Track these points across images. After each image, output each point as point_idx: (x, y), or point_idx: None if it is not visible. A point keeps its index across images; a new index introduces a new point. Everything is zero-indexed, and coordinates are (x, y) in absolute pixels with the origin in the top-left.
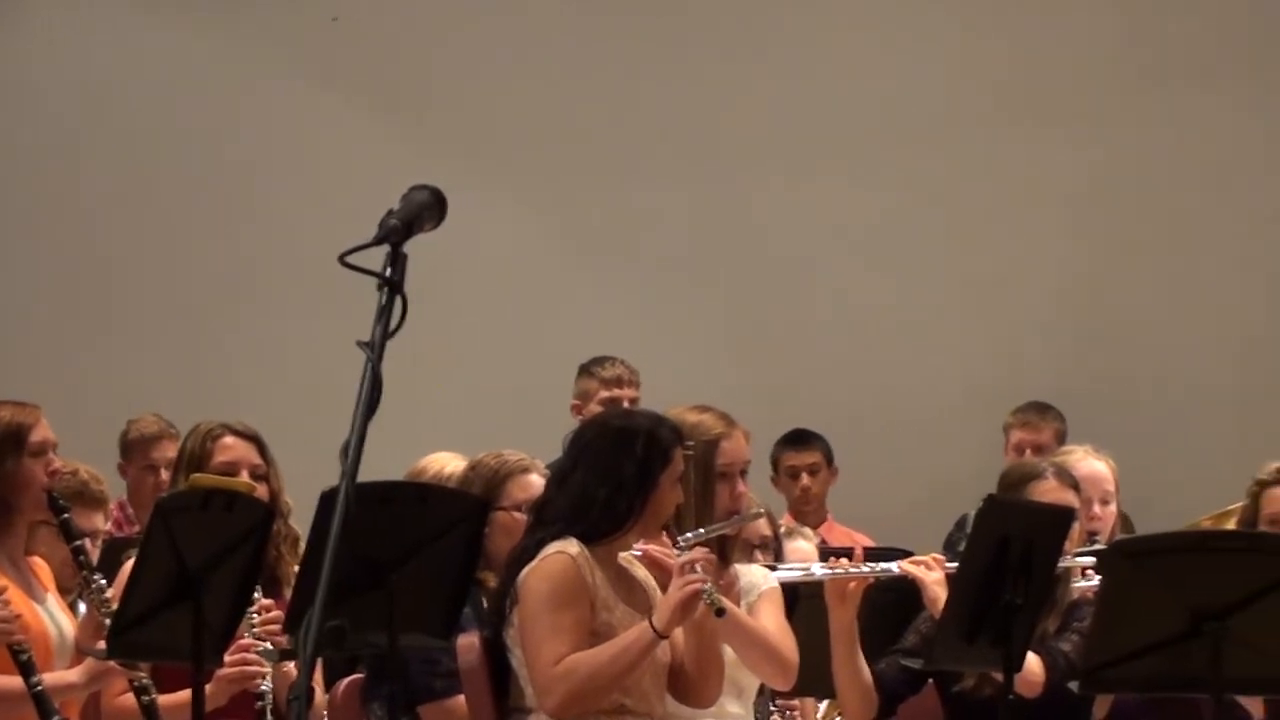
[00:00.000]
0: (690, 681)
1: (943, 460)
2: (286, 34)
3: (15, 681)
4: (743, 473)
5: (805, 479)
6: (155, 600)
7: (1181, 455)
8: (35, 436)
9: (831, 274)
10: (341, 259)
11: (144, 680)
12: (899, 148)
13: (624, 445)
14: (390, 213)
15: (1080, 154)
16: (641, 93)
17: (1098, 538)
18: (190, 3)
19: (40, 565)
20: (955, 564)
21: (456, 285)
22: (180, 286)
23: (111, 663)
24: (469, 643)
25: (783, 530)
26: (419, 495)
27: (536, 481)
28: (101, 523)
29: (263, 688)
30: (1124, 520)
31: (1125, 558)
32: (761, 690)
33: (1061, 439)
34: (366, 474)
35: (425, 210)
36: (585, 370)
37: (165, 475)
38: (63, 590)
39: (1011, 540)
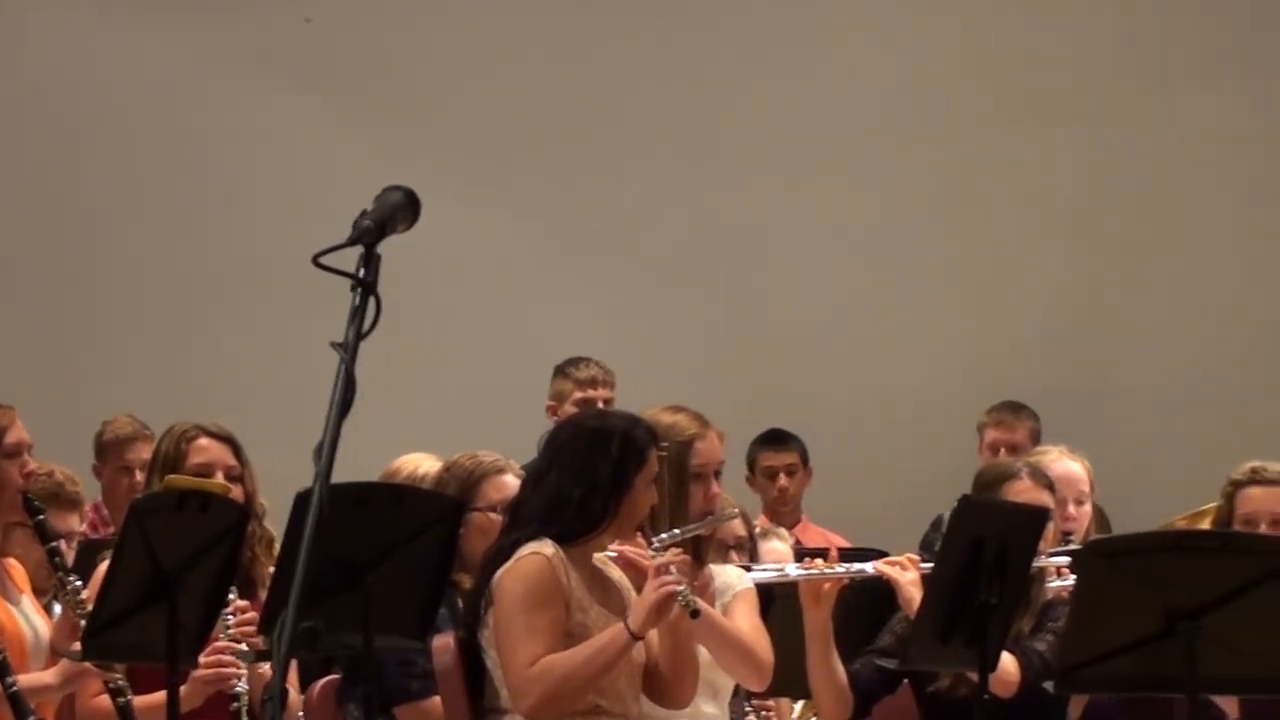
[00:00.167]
0: (665, 682)
1: (918, 460)
2: (260, 35)
3: None
4: (717, 473)
5: (783, 479)
6: (130, 601)
7: (1156, 455)
8: (10, 438)
9: (804, 275)
10: (315, 260)
11: (119, 681)
12: (885, 148)
13: (599, 446)
14: (364, 214)
15: (1066, 155)
16: (622, 93)
17: (1072, 538)
18: (163, 5)
19: (15, 567)
20: (930, 564)
21: (430, 286)
22: (154, 288)
23: (87, 664)
24: (444, 644)
25: (758, 531)
26: (394, 496)
27: (511, 482)
28: (77, 524)
29: (238, 689)
30: (1100, 519)
31: (1100, 557)
32: (736, 691)
33: (1036, 438)
34: (341, 475)
35: (398, 211)
36: (560, 371)
37: (140, 477)
38: (38, 591)
39: (986, 540)
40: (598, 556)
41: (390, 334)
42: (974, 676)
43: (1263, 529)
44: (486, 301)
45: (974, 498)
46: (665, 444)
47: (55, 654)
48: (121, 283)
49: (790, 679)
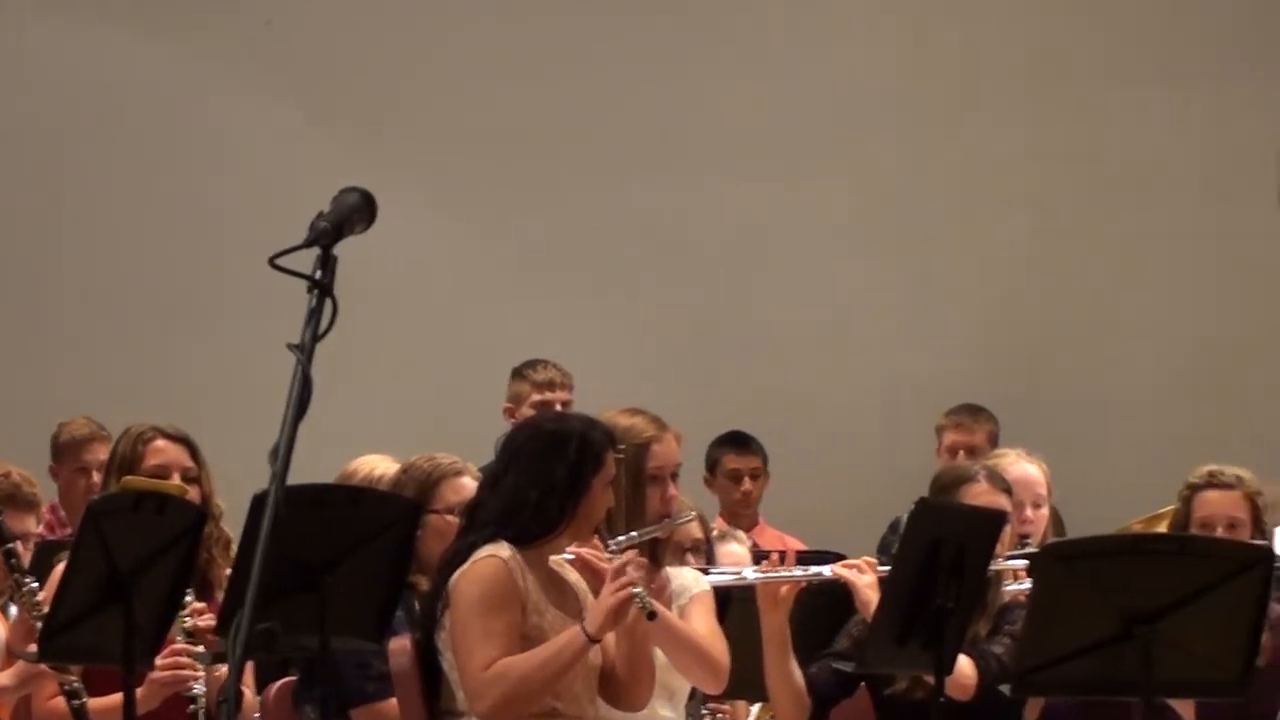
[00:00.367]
0: (621, 685)
1: (875, 463)
2: (220, 37)
3: None
4: (674, 476)
5: (747, 483)
6: (87, 603)
7: (1113, 458)
8: None
9: (760, 277)
10: (272, 261)
11: (75, 683)
12: (837, 149)
13: (556, 448)
14: (320, 215)
15: (1015, 153)
16: (583, 96)
17: (1029, 541)
18: (123, 8)
19: None
20: (888, 567)
21: (388, 288)
22: (111, 289)
23: (43, 666)
24: (401, 646)
25: (715, 533)
26: (351, 498)
27: (469, 484)
28: (33, 525)
29: (195, 690)
30: (1055, 522)
31: (1057, 561)
32: (693, 694)
33: (994, 441)
34: (298, 477)
35: (355, 212)
36: (517, 374)
37: (97, 478)
38: None
39: (943, 543)
40: (554, 559)
41: (348, 336)
42: (931, 679)
43: (1219, 532)
44: (444, 303)
45: (931, 500)
46: (622, 446)
47: (11, 655)
48: (78, 284)
49: (747, 682)
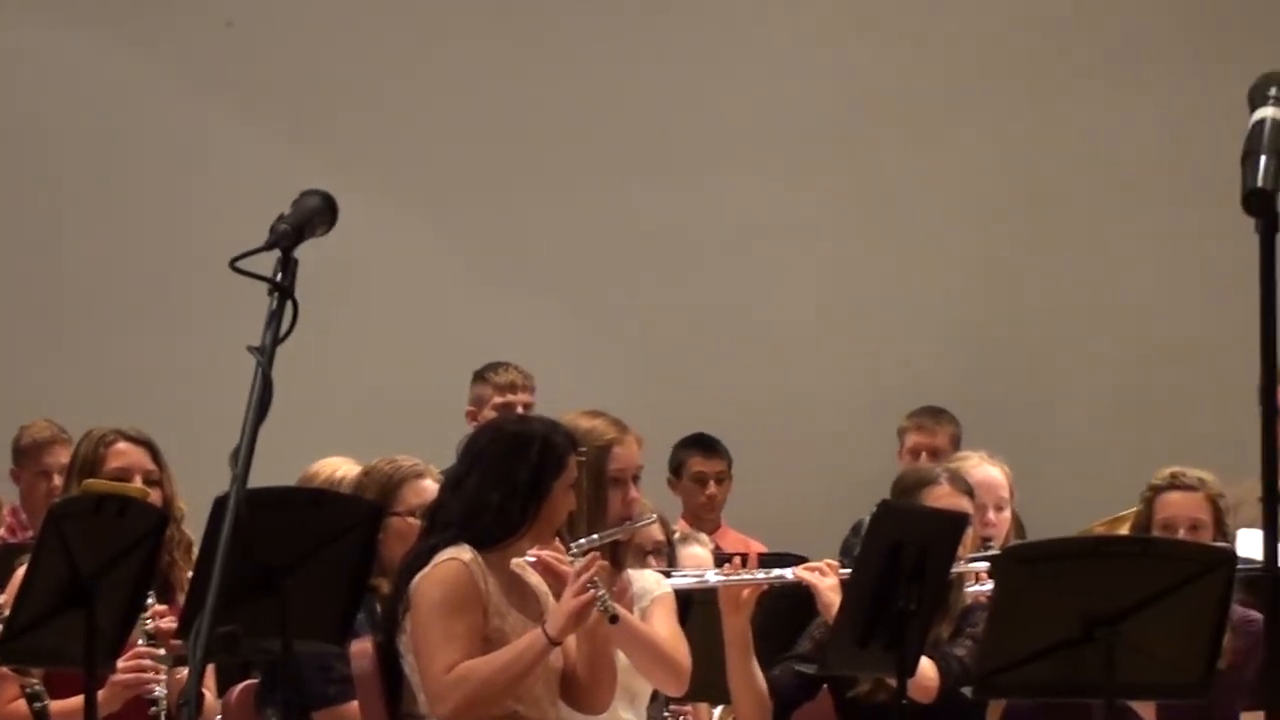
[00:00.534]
0: (583, 688)
1: (838, 465)
2: (181, 38)
3: None
4: (635, 478)
5: (712, 487)
6: (48, 606)
7: (1076, 460)
8: None
9: (722, 279)
10: (233, 264)
11: (36, 686)
12: (798, 151)
13: (518, 451)
14: (281, 218)
15: (977, 157)
16: (542, 97)
17: (992, 543)
18: (83, 8)
19: None
20: (850, 570)
21: (350, 290)
22: (72, 292)
23: (4, 669)
24: (362, 648)
25: (677, 536)
26: (313, 500)
27: (430, 487)
28: None
29: (156, 693)
30: (1016, 526)
31: (1019, 563)
32: (655, 696)
33: (956, 443)
34: (260, 479)
35: (316, 215)
36: (479, 376)
37: (58, 481)
38: None
39: (905, 545)
40: (516, 562)
41: (309, 338)
42: (893, 681)
43: (1181, 534)
44: (406, 306)
45: (893, 503)
46: (584, 449)
47: None
48: (39, 286)
49: (709, 684)
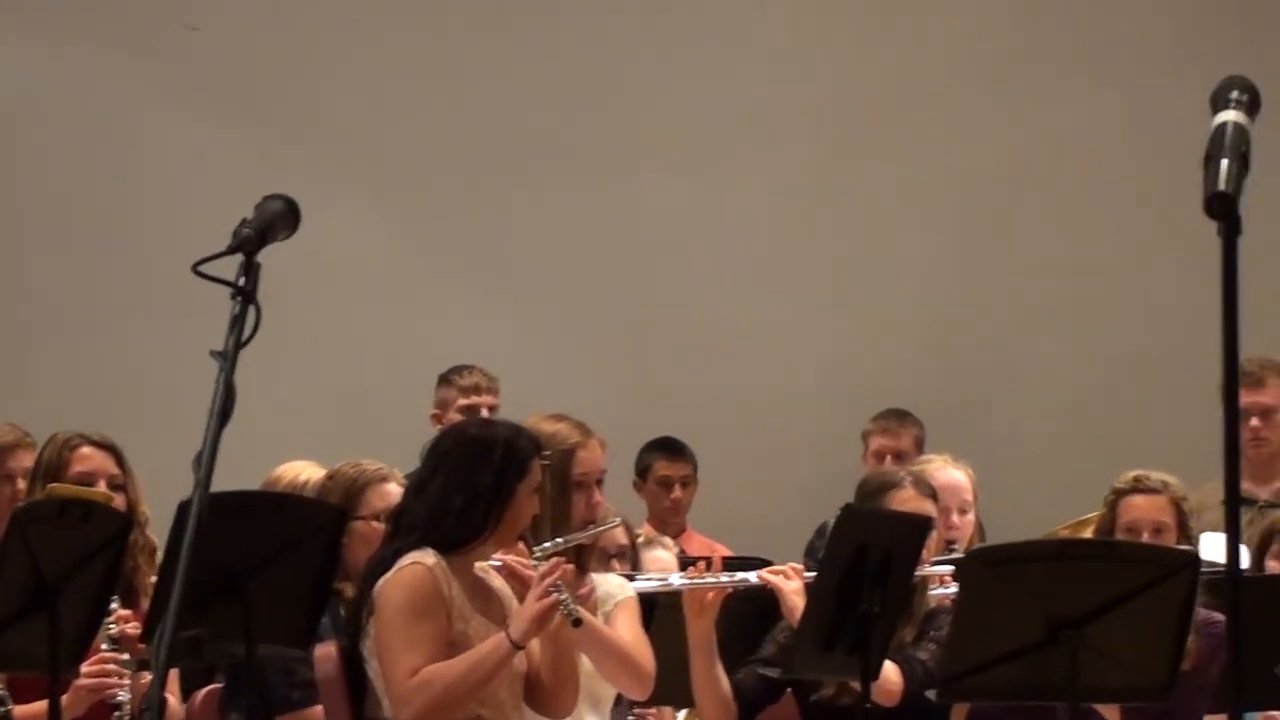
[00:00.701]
0: (546, 692)
1: (802, 468)
2: (144, 42)
3: None
4: (599, 482)
5: (678, 490)
6: (11, 610)
7: (1040, 463)
8: None
9: (686, 280)
10: (195, 268)
11: (0, 690)
12: (768, 153)
13: (482, 455)
14: (244, 222)
15: (944, 158)
16: (503, 101)
17: (956, 546)
18: (44, 10)
19: None
20: (814, 573)
21: (314, 294)
22: (35, 295)
23: None
24: (326, 652)
25: (641, 540)
26: (277, 504)
27: (394, 491)
28: None
29: (120, 698)
30: (978, 530)
31: (983, 566)
32: (619, 700)
33: (920, 445)
34: (224, 483)
35: (279, 219)
36: (444, 379)
37: (22, 485)
38: None
39: (869, 549)
40: (479, 565)
41: (272, 342)
42: (857, 685)
43: (1145, 538)
44: (370, 309)
45: (856, 506)
46: (548, 453)
47: None
48: (0, 290)
49: (673, 687)
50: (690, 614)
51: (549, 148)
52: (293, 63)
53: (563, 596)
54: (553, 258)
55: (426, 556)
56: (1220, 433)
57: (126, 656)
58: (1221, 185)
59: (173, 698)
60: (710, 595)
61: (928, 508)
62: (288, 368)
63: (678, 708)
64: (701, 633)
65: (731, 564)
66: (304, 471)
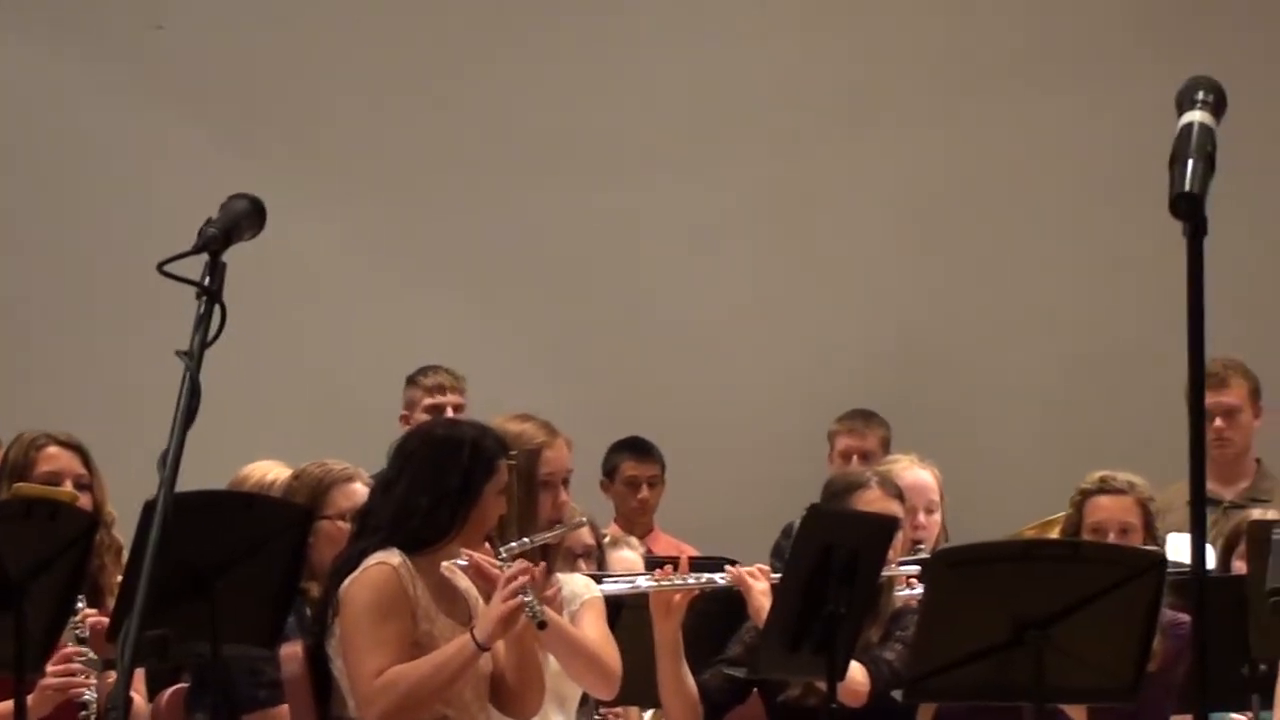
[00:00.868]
0: (512, 692)
1: (768, 468)
2: (110, 41)
3: None
4: (565, 481)
5: (645, 490)
6: None
7: (1006, 463)
8: None
9: (653, 280)
10: (160, 267)
11: None
12: (737, 152)
13: (448, 455)
14: (209, 221)
15: (908, 158)
16: (467, 101)
17: (922, 547)
18: (10, 10)
19: None
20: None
21: (280, 293)
22: None
23: None
24: (292, 652)
25: (607, 540)
26: (243, 503)
27: (361, 490)
28: None
29: (86, 697)
30: (945, 529)
31: (949, 567)
32: (585, 700)
33: (886, 445)
34: (190, 483)
35: (244, 219)
36: (410, 380)
37: None
38: None
39: (835, 549)
40: (445, 565)
41: (238, 342)
42: (823, 685)
43: (1111, 538)
44: (335, 309)
45: (822, 507)
46: (514, 453)
47: None
48: None
49: (639, 687)
50: (657, 615)
51: (513, 149)
52: (259, 63)
53: (527, 598)
54: (519, 259)
55: (392, 556)
56: (1186, 432)
57: (93, 656)
58: (1187, 185)
59: (139, 697)
60: (677, 597)
61: (894, 508)
62: (256, 368)
63: (644, 708)
64: (668, 633)
65: (699, 564)
66: (271, 471)
